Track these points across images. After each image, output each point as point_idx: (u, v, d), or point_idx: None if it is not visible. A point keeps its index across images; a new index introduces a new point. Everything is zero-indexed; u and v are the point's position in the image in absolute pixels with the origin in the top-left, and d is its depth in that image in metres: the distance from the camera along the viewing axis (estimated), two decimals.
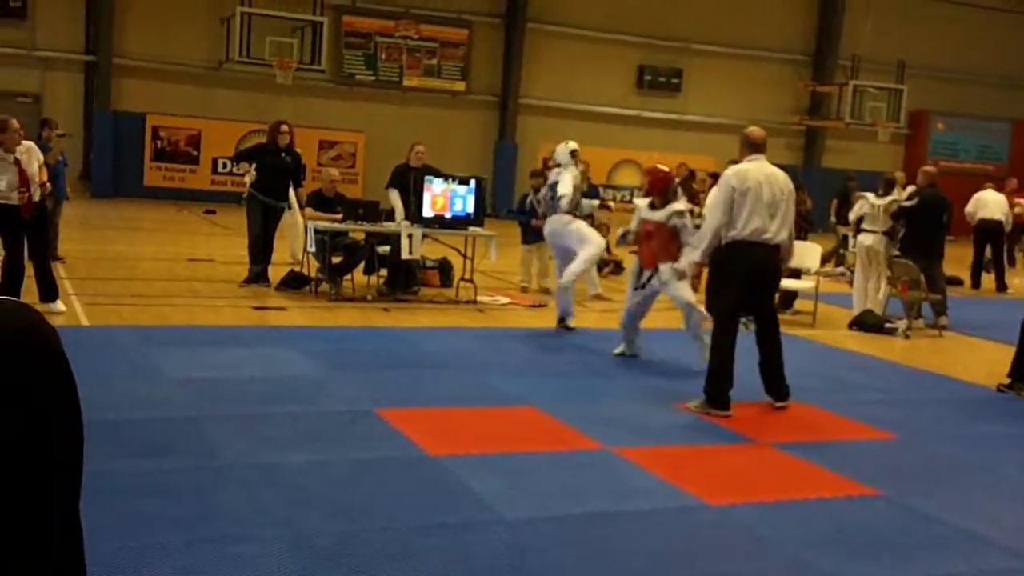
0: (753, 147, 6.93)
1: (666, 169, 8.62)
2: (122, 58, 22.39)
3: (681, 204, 8.13)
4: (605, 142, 26.18)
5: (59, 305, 8.71)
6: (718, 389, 6.65)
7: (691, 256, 7.43)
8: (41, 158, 8.69)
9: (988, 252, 16.16)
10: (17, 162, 8.23)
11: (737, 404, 6.92)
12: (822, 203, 17.66)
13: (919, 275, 11.23)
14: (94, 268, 11.73)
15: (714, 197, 7.06)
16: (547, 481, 5.16)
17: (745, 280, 6.72)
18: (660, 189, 8.24)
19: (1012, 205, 19.86)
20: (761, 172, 6.76)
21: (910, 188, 12.24)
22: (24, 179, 8.25)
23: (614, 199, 26.10)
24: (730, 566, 4.26)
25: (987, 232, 15.68)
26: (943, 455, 6.15)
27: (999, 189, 20.84)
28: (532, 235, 12.18)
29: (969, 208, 15.86)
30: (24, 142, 8.47)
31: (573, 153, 10.02)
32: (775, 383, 6.93)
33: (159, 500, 4.49)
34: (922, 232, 11.24)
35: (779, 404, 6.90)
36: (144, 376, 6.80)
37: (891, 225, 11.42)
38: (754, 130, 7.09)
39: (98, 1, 21.99)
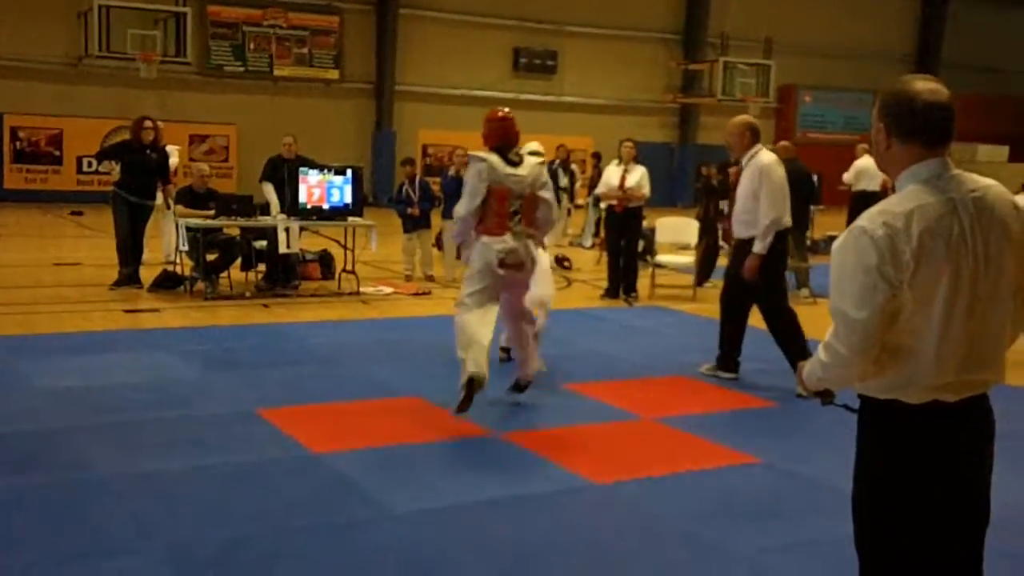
0: (757, 136, 7.27)
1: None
2: None
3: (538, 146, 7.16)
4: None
5: None
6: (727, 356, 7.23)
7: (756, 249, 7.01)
8: None
9: None
10: None
11: (619, 383, 7.00)
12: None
13: (803, 245, 11.55)
14: None
15: (774, 185, 7.13)
16: (434, 472, 5.11)
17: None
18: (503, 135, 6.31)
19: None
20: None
21: None
22: None
23: None
24: (620, 544, 4.28)
25: (865, 201, 16.01)
26: (821, 420, 6.27)
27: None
28: (412, 223, 12.09)
29: (848, 176, 16.11)
30: None
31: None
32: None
33: (31, 518, 4.27)
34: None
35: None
36: (9, 388, 6.48)
37: None
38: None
39: None
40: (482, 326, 6.07)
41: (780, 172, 7.12)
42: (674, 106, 28.89)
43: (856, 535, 2.63)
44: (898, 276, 2.36)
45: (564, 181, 15.87)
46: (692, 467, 5.28)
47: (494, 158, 6.11)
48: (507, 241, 6.08)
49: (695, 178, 15.46)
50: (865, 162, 15.99)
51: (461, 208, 6.15)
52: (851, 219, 12.60)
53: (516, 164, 6.17)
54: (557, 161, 15.80)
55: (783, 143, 12.79)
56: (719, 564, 4.12)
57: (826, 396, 2.79)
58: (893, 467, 2.49)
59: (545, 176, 6.39)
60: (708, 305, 10.68)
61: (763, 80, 28.24)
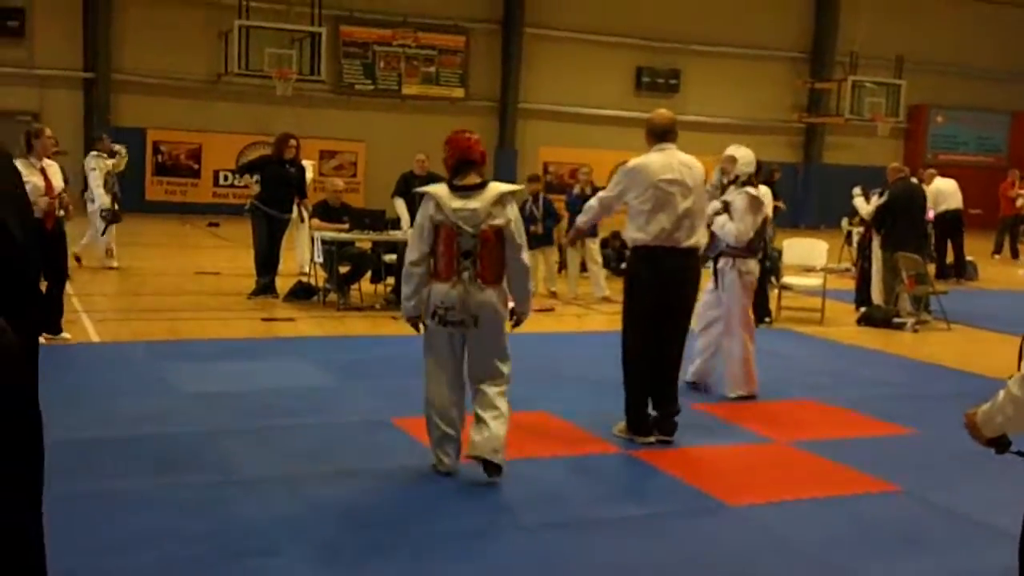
0: (656, 135, 5.99)
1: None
2: (121, 74, 22.41)
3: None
4: (605, 145, 26.13)
5: (65, 334, 8.35)
6: (635, 418, 5.96)
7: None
8: (62, 179, 8.41)
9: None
10: (43, 171, 8.09)
11: (750, 404, 6.92)
12: (823, 200, 17.61)
13: (925, 268, 11.24)
14: (102, 284, 11.74)
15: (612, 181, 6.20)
16: (563, 487, 5.15)
17: (652, 291, 5.77)
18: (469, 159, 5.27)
19: (1015, 197, 19.91)
20: (667, 165, 5.85)
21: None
22: (49, 188, 8.02)
23: None
24: (755, 570, 4.25)
25: (948, 223, 15.47)
26: (962, 449, 6.06)
27: (1000, 180, 20.92)
28: (536, 240, 12.19)
29: (928, 200, 15.59)
30: (48, 160, 8.27)
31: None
32: (662, 413, 5.97)
33: (181, 515, 4.49)
34: (899, 227, 11.17)
35: (665, 438, 5.92)
36: (157, 391, 6.80)
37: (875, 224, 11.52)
38: (657, 114, 6.14)
39: (95, 17, 22.02)
40: (450, 406, 5.16)
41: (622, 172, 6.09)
42: (800, 126, 28.38)
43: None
44: None
45: None
46: (828, 493, 5.19)
47: (442, 190, 5.13)
48: (447, 290, 5.07)
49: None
50: (939, 185, 15.39)
51: (407, 254, 5.29)
52: (940, 241, 12.18)
53: (471, 192, 5.09)
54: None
55: (892, 165, 12.48)
56: None
57: (1002, 443, 2.64)
58: None
59: (516, 222, 5.15)
60: (836, 328, 10.49)
61: (893, 99, 27.47)
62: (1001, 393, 2.48)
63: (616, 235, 15.05)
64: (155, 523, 4.38)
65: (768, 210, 7.23)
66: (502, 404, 5.19)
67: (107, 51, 22.14)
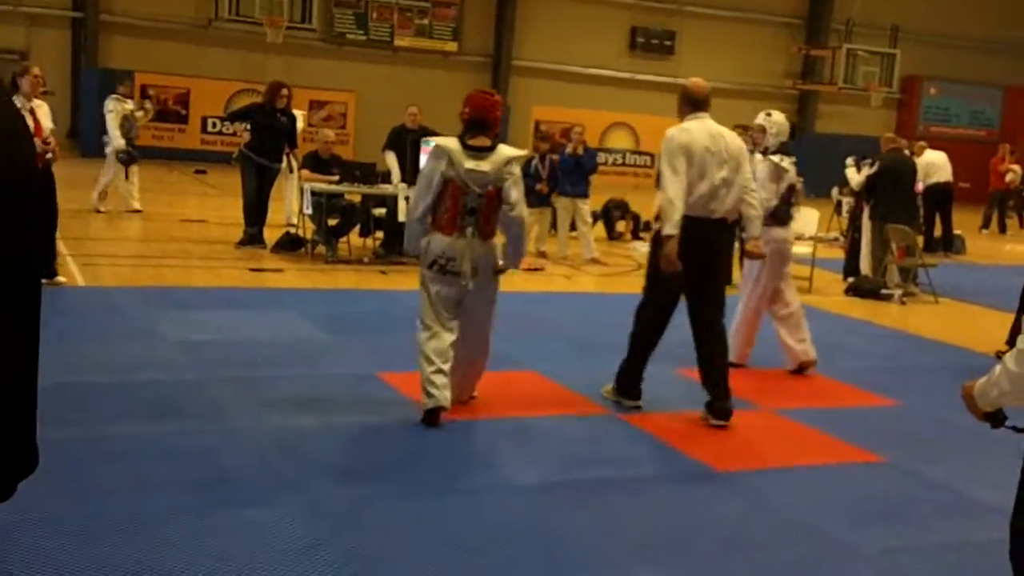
0: (694, 104, 5.77)
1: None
2: (110, 15, 22.10)
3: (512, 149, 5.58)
4: (598, 105, 26.05)
5: (60, 277, 8.30)
6: (628, 378, 5.93)
7: (666, 230, 5.57)
8: (51, 121, 8.29)
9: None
10: (32, 112, 7.90)
11: (735, 371, 6.89)
12: (815, 169, 17.59)
13: (915, 241, 11.26)
14: (87, 228, 11.62)
15: (667, 158, 5.67)
16: (556, 446, 5.16)
17: (685, 262, 5.53)
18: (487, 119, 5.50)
19: (1005, 171, 19.94)
20: (706, 133, 5.66)
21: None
22: (38, 129, 7.81)
23: (606, 163, 26.14)
24: (745, 535, 4.26)
25: (937, 195, 15.44)
26: (947, 422, 6.15)
27: (991, 155, 20.94)
28: (536, 199, 12.12)
29: (919, 173, 15.57)
30: (37, 100, 8.14)
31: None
32: (717, 397, 5.75)
33: (170, 463, 4.46)
34: (888, 198, 11.15)
35: (718, 423, 5.70)
36: (145, 338, 6.75)
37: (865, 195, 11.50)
38: (695, 82, 5.87)
39: None
40: (437, 355, 5.32)
41: (674, 141, 5.62)
42: (793, 92, 28.28)
43: (1016, 551, 2.53)
44: None
45: None
46: (815, 461, 5.22)
47: (454, 146, 5.31)
48: (451, 243, 5.31)
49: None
50: (929, 157, 15.32)
51: (412, 204, 5.53)
52: (928, 213, 12.07)
53: (482, 154, 5.34)
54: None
55: (885, 135, 12.44)
56: (844, 562, 4.07)
57: (998, 418, 2.63)
58: None
59: (517, 177, 5.41)
60: (824, 297, 10.50)
61: (887, 69, 27.42)
62: (997, 367, 2.48)
63: (618, 204, 14.99)
64: (144, 470, 4.35)
65: (793, 178, 7.10)
66: (483, 357, 5.66)
67: None
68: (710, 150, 5.60)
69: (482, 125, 5.44)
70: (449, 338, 5.39)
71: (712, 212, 5.64)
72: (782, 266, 7.09)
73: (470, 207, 5.31)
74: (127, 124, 12.93)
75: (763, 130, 7.14)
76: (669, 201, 5.58)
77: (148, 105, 14.06)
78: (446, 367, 5.34)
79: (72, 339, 6.49)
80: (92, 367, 5.94)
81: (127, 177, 13.08)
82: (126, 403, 5.29)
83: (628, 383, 5.96)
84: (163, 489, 4.16)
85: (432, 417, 5.28)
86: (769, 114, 7.29)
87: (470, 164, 5.30)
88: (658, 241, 5.73)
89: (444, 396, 5.30)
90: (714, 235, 5.72)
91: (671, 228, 5.53)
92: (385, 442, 5.03)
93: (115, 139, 12.82)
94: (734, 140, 5.79)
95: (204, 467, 4.45)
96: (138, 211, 13.09)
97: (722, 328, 5.88)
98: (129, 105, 13.13)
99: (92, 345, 6.43)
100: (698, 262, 5.61)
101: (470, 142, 5.36)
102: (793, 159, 7.11)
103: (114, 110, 12.92)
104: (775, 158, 6.99)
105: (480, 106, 5.47)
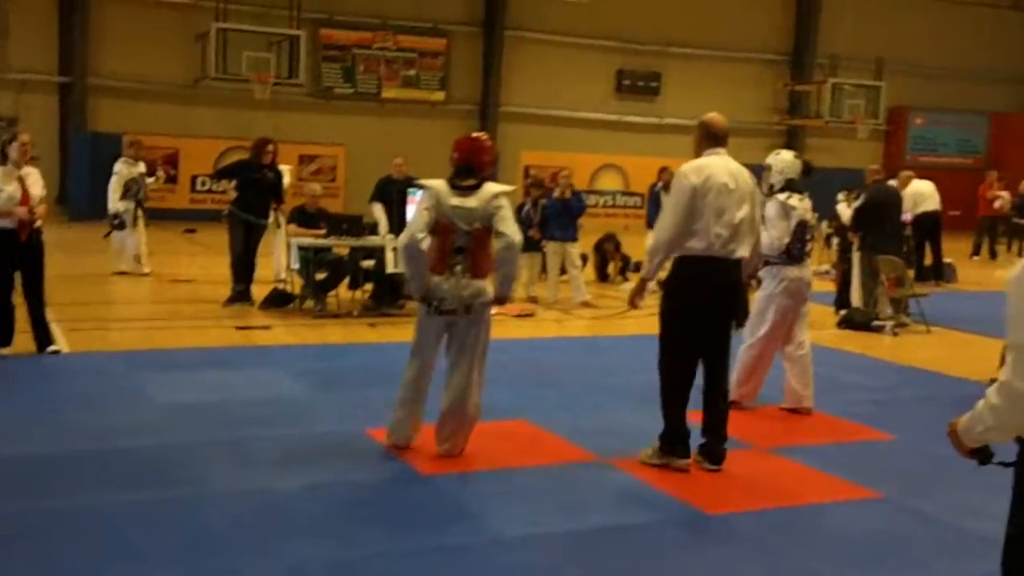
0: (713, 138, 5.59)
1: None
2: (97, 78, 22.23)
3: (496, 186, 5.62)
4: (586, 148, 26.15)
5: (58, 345, 8.18)
6: (670, 436, 5.56)
7: (641, 273, 5.69)
8: (42, 188, 8.20)
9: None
10: (21, 179, 7.80)
11: (733, 409, 6.81)
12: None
13: (905, 271, 11.23)
14: (75, 293, 11.56)
15: (671, 198, 5.55)
16: (543, 497, 5.07)
17: (701, 308, 5.43)
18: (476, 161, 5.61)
19: (993, 198, 19.99)
20: (725, 169, 5.47)
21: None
22: (26, 197, 7.75)
23: (596, 204, 26.20)
24: None
25: (926, 224, 15.42)
26: (943, 455, 6.03)
27: (979, 182, 21.00)
28: (529, 245, 12.11)
29: (907, 203, 15.57)
30: (27, 167, 7.98)
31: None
32: (712, 440, 5.59)
33: (150, 533, 4.38)
34: (876, 229, 11.13)
35: (711, 467, 5.55)
36: (131, 402, 6.68)
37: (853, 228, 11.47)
38: (714, 117, 5.69)
39: (71, 21, 21.83)
40: (403, 384, 5.64)
41: (683, 180, 5.46)
42: (780, 128, 28.43)
43: None
44: None
45: None
46: (809, 501, 5.13)
47: (441, 186, 5.46)
48: (440, 283, 5.45)
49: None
50: (916, 187, 15.33)
51: (401, 238, 5.71)
52: (918, 242, 12.02)
53: (468, 192, 5.44)
54: (660, 184, 15.67)
55: (870, 167, 12.47)
56: None
57: (984, 454, 2.56)
58: None
59: (504, 209, 5.44)
60: (816, 331, 10.40)
61: (872, 101, 27.60)
62: (980, 402, 2.42)
63: (610, 237, 14.99)
64: (124, 541, 4.27)
65: (806, 215, 6.97)
66: (471, 402, 5.61)
67: (84, 55, 21.95)
68: (729, 188, 5.40)
69: (469, 169, 5.54)
70: (423, 370, 5.63)
71: (731, 252, 5.41)
72: (797, 305, 6.94)
73: (458, 245, 5.42)
74: (135, 186, 13.07)
75: (769, 169, 6.99)
76: (654, 243, 5.55)
77: (160, 173, 14.33)
78: (408, 396, 5.61)
79: (56, 407, 6.43)
80: (75, 435, 5.86)
81: (107, 236, 13.19)
82: (109, 471, 5.21)
83: (672, 443, 5.54)
84: (141, 561, 4.08)
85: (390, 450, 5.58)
86: (778, 153, 7.20)
87: (455, 201, 5.41)
88: (665, 286, 5.61)
89: (393, 426, 5.64)
90: (735, 277, 5.51)
91: (646, 272, 5.53)
92: (371, 501, 4.95)
93: (111, 202, 12.98)
94: (750, 178, 5.63)
95: (185, 535, 4.37)
96: (146, 274, 13.20)
97: (727, 370, 5.74)
98: (140, 168, 13.30)
99: (76, 412, 6.36)
100: (716, 304, 5.44)
101: (456, 181, 5.48)
102: (805, 195, 6.97)
103: (119, 172, 13.11)
104: (782, 196, 6.88)
105: (467, 149, 5.61)
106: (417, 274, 5.55)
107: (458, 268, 5.43)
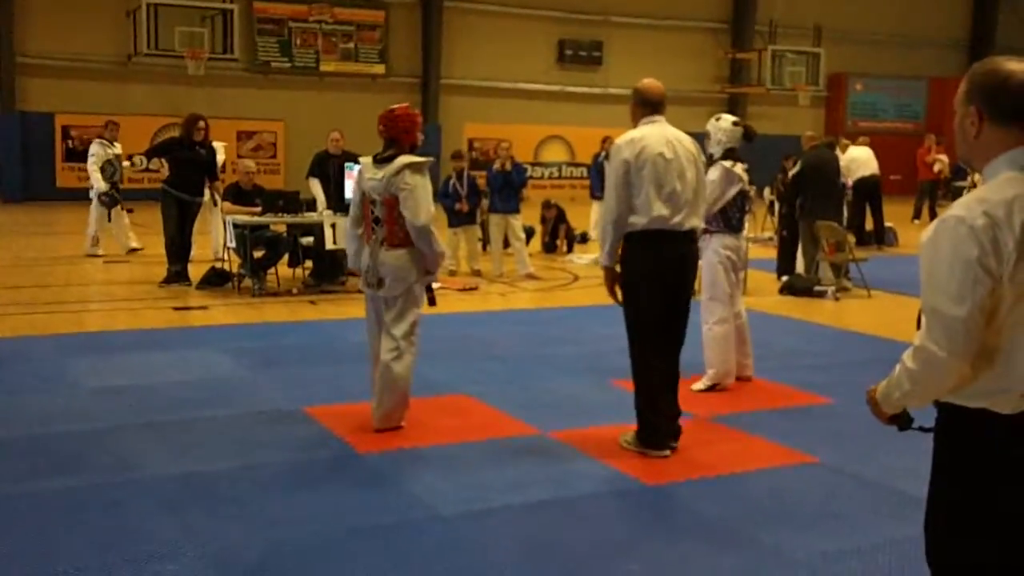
0: (649, 105, 5.31)
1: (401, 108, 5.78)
2: (26, 57, 21.61)
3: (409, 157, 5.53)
4: (529, 119, 26.05)
5: None
6: (652, 427, 5.30)
7: (601, 260, 5.43)
8: None
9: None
10: None
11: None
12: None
13: (845, 236, 11.30)
14: (4, 276, 11.26)
15: (607, 177, 5.31)
16: (482, 472, 5.00)
17: (654, 283, 5.19)
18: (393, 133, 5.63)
19: (932, 162, 20.23)
20: (662, 138, 5.20)
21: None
22: None
23: (542, 176, 26.13)
24: (675, 549, 4.15)
25: (865, 189, 15.58)
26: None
27: (919, 146, 21.24)
28: (458, 218, 12.02)
29: (843, 170, 15.70)
30: None
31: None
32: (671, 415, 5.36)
33: (73, 521, 4.24)
34: (813, 195, 11.17)
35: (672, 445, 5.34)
36: (58, 388, 6.49)
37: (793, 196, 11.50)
38: (648, 83, 5.37)
39: None
40: (372, 352, 5.80)
41: (616, 156, 5.22)
42: (723, 96, 28.52)
43: (930, 550, 2.43)
44: (999, 269, 2.16)
45: None
46: (748, 467, 5.12)
47: (367, 161, 5.66)
48: (368, 255, 5.64)
49: (779, 170, 14.92)
50: (852, 153, 15.50)
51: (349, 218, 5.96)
52: (858, 207, 12.16)
53: (382, 165, 5.50)
54: (604, 153, 15.63)
55: (805, 133, 12.52)
56: (779, 569, 3.97)
57: (903, 420, 2.51)
58: (980, 484, 2.29)
59: (409, 188, 5.37)
60: (758, 298, 10.48)
61: (813, 68, 27.82)
62: (897, 367, 2.37)
63: (548, 203, 14.91)
64: (45, 530, 4.13)
65: (744, 184, 6.83)
66: (392, 371, 5.58)
67: (10, 32, 21.33)
68: (665, 157, 5.13)
69: (391, 140, 5.60)
70: (376, 345, 5.74)
71: (679, 224, 5.16)
72: (735, 274, 6.81)
73: (375, 216, 5.57)
74: (110, 168, 13.02)
75: (707, 135, 6.76)
76: (601, 226, 5.34)
77: (136, 160, 14.07)
78: (374, 373, 5.69)
79: None
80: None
81: (110, 219, 13.15)
82: (30, 458, 5.05)
83: (652, 433, 5.27)
84: (64, 549, 3.94)
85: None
86: (718, 118, 6.96)
87: (369, 174, 5.58)
88: (620, 268, 5.31)
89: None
90: (684, 249, 5.25)
91: (604, 259, 5.27)
92: (303, 481, 4.84)
93: (96, 182, 12.97)
94: (692, 145, 5.36)
95: (109, 522, 4.23)
96: (138, 249, 13.12)
97: (680, 345, 5.44)
98: (115, 149, 13.19)
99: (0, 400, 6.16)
100: (669, 281, 5.20)
101: (379, 155, 5.59)
102: (745, 166, 6.82)
103: (96, 154, 13.08)
104: (727, 163, 6.71)
105: (384, 120, 5.65)
106: (351, 251, 5.81)
107: (375, 239, 5.59)
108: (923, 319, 2.28)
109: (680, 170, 5.17)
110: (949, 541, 2.35)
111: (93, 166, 13.02)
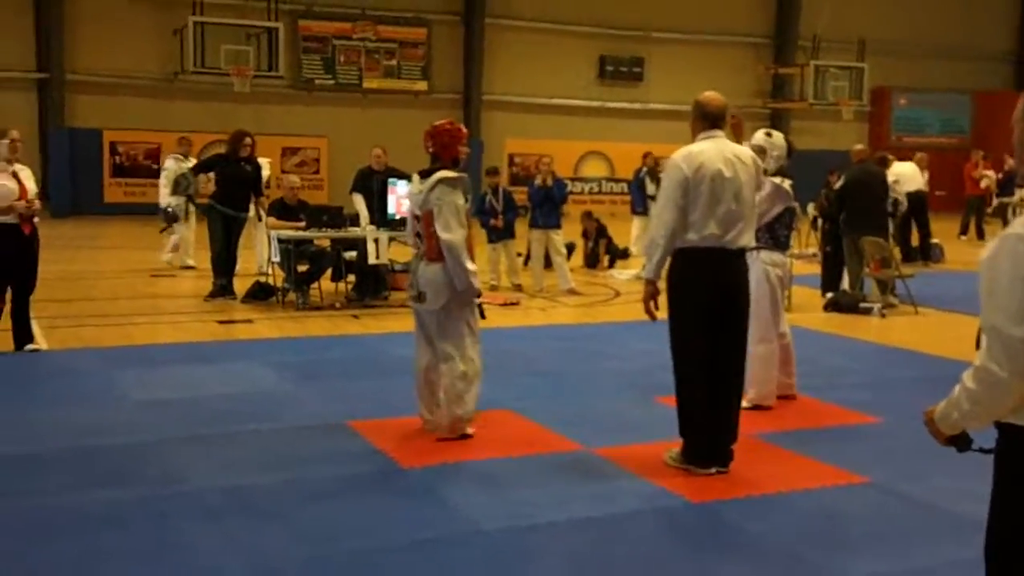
0: (708, 119, 5.20)
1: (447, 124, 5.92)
2: (75, 74, 22.00)
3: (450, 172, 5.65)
4: (570, 135, 26.05)
5: (37, 343, 8.11)
6: (694, 444, 5.23)
7: (644, 274, 5.33)
8: (35, 183, 7.98)
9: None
10: (15, 175, 7.65)
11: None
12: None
13: (890, 252, 11.16)
14: (53, 289, 11.39)
15: (662, 190, 5.20)
16: (525, 488, 4.98)
17: (706, 304, 5.11)
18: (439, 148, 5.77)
19: (979, 177, 19.95)
20: (720, 155, 5.10)
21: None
22: (24, 193, 7.63)
23: (582, 192, 26.12)
24: (721, 568, 4.10)
25: (911, 205, 15.32)
26: (930, 437, 6.01)
27: (964, 161, 20.95)
28: (496, 234, 12.04)
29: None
30: (18, 164, 7.77)
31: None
32: (725, 438, 5.25)
33: (119, 533, 4.27)
34: (858, 210, 11.00)
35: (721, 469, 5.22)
36: (106, 400, 6.57)
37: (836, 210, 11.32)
38: (709, 96, 5.25)
39: (48, 17, 21.59)
40: (416, 380, 5.89)
41: (674, 168, 5.12)
42: (764, 111, 28.35)
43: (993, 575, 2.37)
44: None
45: (652, 189, 15.63)
46: (795, 486, 5.04)
47: (416, 174, 5.79)
48: (413, 269, 5.82)
49: (823, 185, 14.73)
50: (897, 169, 15.20)
51: None
52: (904, 223, 11.82)
53: (423, 179, 5.66)
54: (644, 169, 15.59)
55: (854, 147, 12.37)
56: None
57: (962, 441, 2.45)
58: None
59: (437, 194, 5.49)
60: (803, 314, 10.37)
61: (856, 83, 27.56)
62: (956, 388, 2.31)
63: (588, 215, 14.87)
64: (91, 543, 4.16)
65: (792, 201, 6.74)
66: (451, 386, 5.64)
67: (60, 51, 21.72)
68: (724, 175, 5.03)
69: (435, 155, 5.74)
70: (420, 358, 5.84)
71: (731, 243, 5.08)
72: (781, 291, 6.74)
73: (417, 230, 5.72)
74: (184, 181, 13.17)
75: (762, 151, 6.54)
76: (650, 239, 5.24)
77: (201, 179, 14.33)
78: (419, 384, 5.84)
79: (25, 406, 6.32)
80: (45, 434, 5.74)
81: (163, 231, 13.59)
82: (77, 470, 5.10)
83: (696, 450, 5.19)
84: (109, 563, 3.97)
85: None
86: (769, 134, 6.83)
87: (415, 189, 5.74)
88: (668, 284, 5.23)
89: (430, 420, 5.80)
90: (735, 269, 5.17)
91: (648, 272, 5.18)
92: (346, 495, 4.84)
93: (161, 197, 13.31)
94: (751, 161, 5.26)
95: (155, 535, 4.26)
96: (192, 267, 13.24)
97: (741, 365, 5.34)
98: (188, 163, 13.37)
99: (47, 411, 6.24)
100: (720, 300, 5.10)
101: (424, 169, 5.73)
102: (791, 182, 6.73)
103: (168, 169, 13.37)
104: (776, 179, 6.60)
105: (428, 136, 5.78)
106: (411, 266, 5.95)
107: (418, 253, 5.74)
108: (983, 338, 2.23)
109: (737, 189, 5.08)
110: (1014, 567, 2.29)
111: (165, 180, 13.29)
